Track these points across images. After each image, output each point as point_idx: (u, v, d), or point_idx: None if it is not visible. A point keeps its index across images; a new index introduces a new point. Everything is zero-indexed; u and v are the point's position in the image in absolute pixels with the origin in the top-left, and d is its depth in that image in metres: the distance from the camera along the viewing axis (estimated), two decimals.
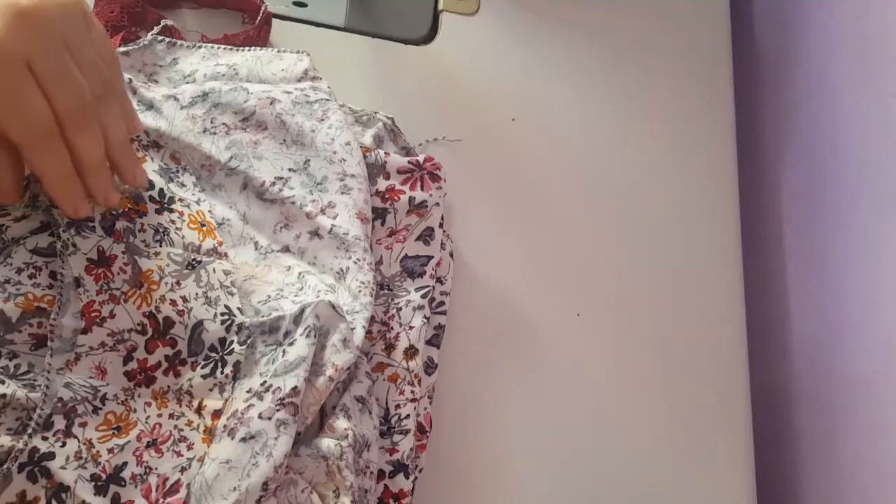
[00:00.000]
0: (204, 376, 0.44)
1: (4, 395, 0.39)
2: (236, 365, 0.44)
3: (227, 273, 0.46)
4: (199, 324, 0.44)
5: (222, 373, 0.44)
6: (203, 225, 0.47)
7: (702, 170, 0.64)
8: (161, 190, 0.46)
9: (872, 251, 0.55)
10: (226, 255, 0.47)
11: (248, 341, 0.45)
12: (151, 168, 0.47)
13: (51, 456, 0.38)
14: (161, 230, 0.45)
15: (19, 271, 0.41)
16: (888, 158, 0.54)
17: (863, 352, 0.55)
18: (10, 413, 0.39)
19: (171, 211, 0.46)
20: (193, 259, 0.45)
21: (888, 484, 0.51)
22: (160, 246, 0.44)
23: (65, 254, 0.42)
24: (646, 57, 0.67)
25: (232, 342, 0.45)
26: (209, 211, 0.49)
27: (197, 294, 0.45)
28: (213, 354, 0.44)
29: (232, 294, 0.46)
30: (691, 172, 0.64)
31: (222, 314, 0.45)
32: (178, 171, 0.49)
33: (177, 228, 0.46)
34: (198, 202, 0.49)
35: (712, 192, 0.64)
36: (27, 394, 0.39)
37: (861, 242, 0.56)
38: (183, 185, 0.49)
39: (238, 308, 0.46)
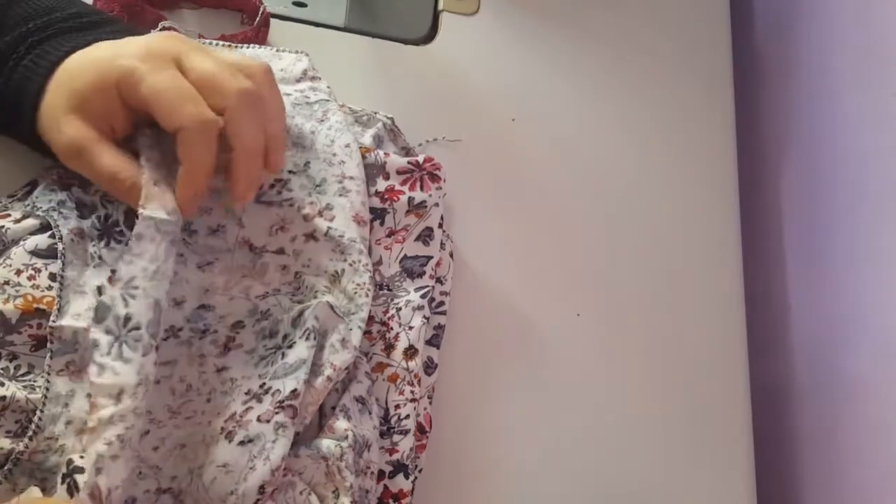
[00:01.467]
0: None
1: (4, 398, 0.39)
2: None
3: None
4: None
5: None
6: None
7: (702, 170, 0.64)
8: None
9: (872, 251, 0.55)
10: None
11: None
12: None
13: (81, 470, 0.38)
14: None
15: (18, 272, 0.41)
16: (888, 158, 0.54)
17: (863, 352, 0.55)
18: (10, 416, 0.39)
19: None
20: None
21: (888, 484, 0.51)
22: None
23: (90, 265, 0.42)
24: (646, 57, 0.67)
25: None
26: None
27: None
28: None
29: None
30: (691, 172, 0.64)
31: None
32: None
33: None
34: None
35: (712, 192, 0.64)
36: (27, 395, 0.39)
37: (861, 242, 0.56)
38: None
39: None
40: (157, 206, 0.40)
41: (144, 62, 0.40)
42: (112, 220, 0.44)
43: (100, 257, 0.43)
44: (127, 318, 0.38)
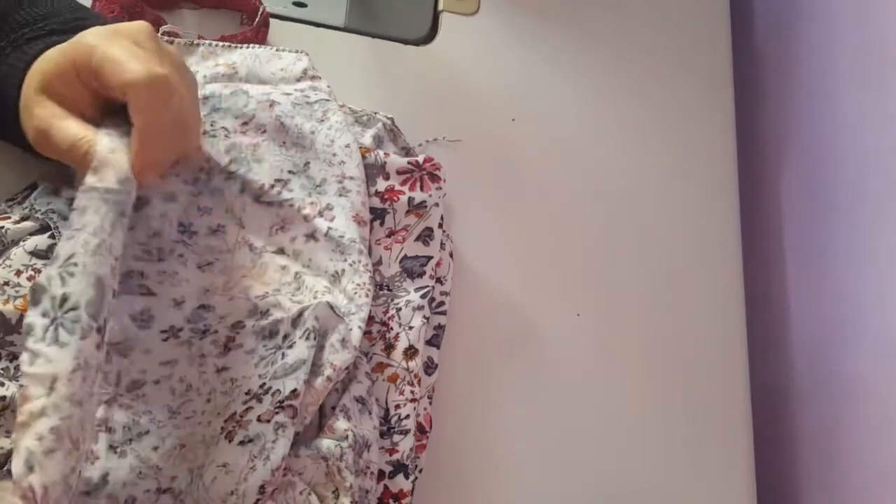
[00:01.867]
0: None
1: (4, 398, 0.39)
2: None
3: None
4: None
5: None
6: None
7: (702, 170, 0.64)
8: None
9: (872, 251, 0.55)
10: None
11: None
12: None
13: None
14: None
15: (18, 273, 0.41)
16: (888, 158, 0.54)
17: (863, 352, 0.55)
18: (10, 416, 0.39)
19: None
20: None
21: (888, 484, 0.51)
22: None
23: None
24: (646, 57, 0.67)
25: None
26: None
27: None
28: None
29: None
30: (691, 172, 0.64)
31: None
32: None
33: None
34: None
35: (712, 192, 0.64)
36: None
37: (861, 242, 0.56)
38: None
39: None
40: (107, 173, 0.37)
41: (101, 39, 0.39)
42: None
43: None
44: (64, 299, 0.34)
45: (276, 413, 0.41)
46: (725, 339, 0.59)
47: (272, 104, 0.51)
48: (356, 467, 0.43)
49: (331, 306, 0.45)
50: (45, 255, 0.42)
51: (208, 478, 0.40)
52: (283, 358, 0.43)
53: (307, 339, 0.43)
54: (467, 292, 0.55)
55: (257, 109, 0.51)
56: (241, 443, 0.41)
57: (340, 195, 0.49)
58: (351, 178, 0.50)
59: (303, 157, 0.50)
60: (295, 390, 0.41)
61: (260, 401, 0.42)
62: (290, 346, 0.44)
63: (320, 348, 0.44)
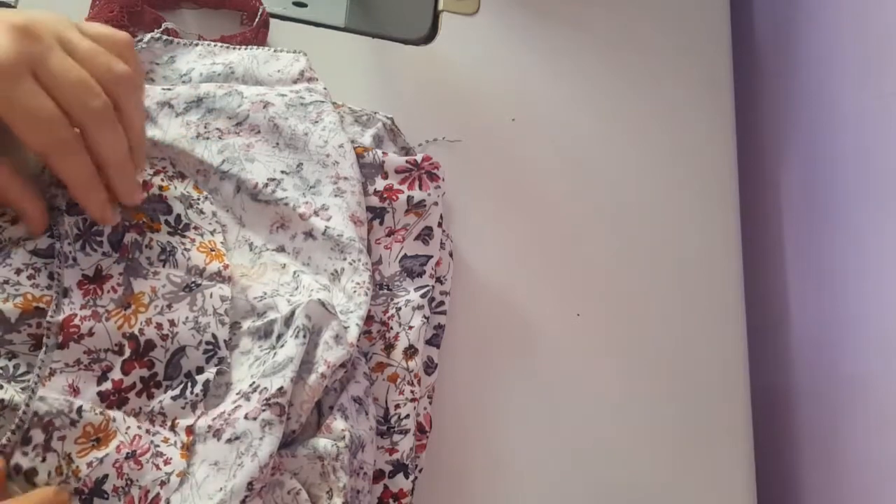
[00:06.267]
0: (174, 397, 0.43)
1: (2, 401, 0.38)
2: (206, 384, 0.43)
3: (223, 299, 0.45)
4: (181, 350, 0.43)
5: (192, 392, 0.43)
6: (212, 250, 0.47)
7: (702, 170, 0.64)
8: (178, 216, 0.46)
9: (872, 250, 0.55)
10: (230, 278, 0.46)
11: (220, 366, 0.44)
12: (173, 195, 0.47)
13: (34, 472, 0.38)
14: (168, 249, 0.45)
15: (18, 272, 0.41)
16: (888, 158, 0.54)
17: (863, 351, 0.55)
18: (10, 415, 0.39)
19: (184, 237, 0.46)
20: (193, 282, 0.45)
21: (888, 484, 0.51)
22: (163, 266, 0.44)
23: (63, 264, 0.42)
24: (646, 57, 0.67)
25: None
26: (222, 242, 0.48)
27: (187, 318, 0.44)
28: (187, 380, 0.44)
29: (223, 324, 0.45)
30: (691, 172, 0.64)
31: (207, 343, 0.44)
32: (199, 200, 0.49)
33: (185, 250, 0.45)
34: (212, 232, 0.48)
35: (712, 192, 0.64)
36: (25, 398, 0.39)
37: (861, 242, 0.56)
38: (202, 212, 0.48)
39: (225, 340, 0.44)
40: None
41: None
42: (96, 227, 0.44)
43: (74, 259, 0.42)
44: None
45: (263, 411, 0.41)
46: (725, 339, 0.59)
47: (266, 105, 0.51)
48: (350, 468, 0.43)
49: (322, 303, 0.44)
50: (45, 254, 0.42)
51: (200, 475, 0.40)
52: (273, 356, 0.43)
53: (296, 337, 0.43)
54: (467, 292, 0.55)
55: (251, 110, 0.51)
56: (229, 440, 0.40)
57: (336, 196, 0.49)
58: (346, 178, 0.50)
59: (296, 159, 0.50)
60: (281, 388, 0.41)
61: (248, 399, 0.42)
62: (283, 346, 0.43)
63: (314, 346, 0.44)
